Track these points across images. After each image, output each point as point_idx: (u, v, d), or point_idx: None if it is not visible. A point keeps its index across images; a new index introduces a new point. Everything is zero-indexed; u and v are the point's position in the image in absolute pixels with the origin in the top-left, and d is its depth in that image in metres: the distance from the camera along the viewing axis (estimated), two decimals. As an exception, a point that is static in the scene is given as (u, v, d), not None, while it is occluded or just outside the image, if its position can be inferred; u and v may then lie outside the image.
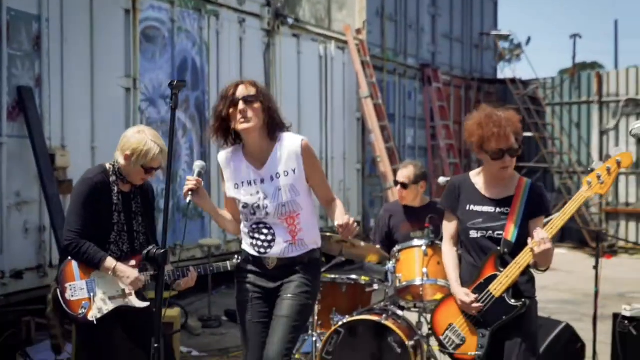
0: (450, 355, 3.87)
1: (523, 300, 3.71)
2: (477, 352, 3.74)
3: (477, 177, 3.96)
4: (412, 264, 5.31)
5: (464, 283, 3.88)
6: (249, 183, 3.76)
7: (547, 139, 16.90)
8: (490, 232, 3.77)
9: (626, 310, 5.08)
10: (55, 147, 7.00)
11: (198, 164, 3.73)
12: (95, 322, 4.09)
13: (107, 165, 4.31)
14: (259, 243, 3.78)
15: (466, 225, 3.85)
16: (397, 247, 5.42)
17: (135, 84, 8.17)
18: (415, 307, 5.44)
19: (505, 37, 19.05)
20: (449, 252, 4.02)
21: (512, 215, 3.74)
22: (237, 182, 3.78)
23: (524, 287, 3.78)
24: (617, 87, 16.15)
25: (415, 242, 5.38)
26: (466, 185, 3.95)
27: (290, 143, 3.74)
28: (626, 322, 5.02)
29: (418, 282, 5.24)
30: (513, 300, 3.71)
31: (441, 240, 5.41)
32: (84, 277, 4.18)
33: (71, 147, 7.22)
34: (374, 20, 14.00)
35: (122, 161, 4.24)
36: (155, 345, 3.01)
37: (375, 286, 5.57)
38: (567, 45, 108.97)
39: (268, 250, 3.76)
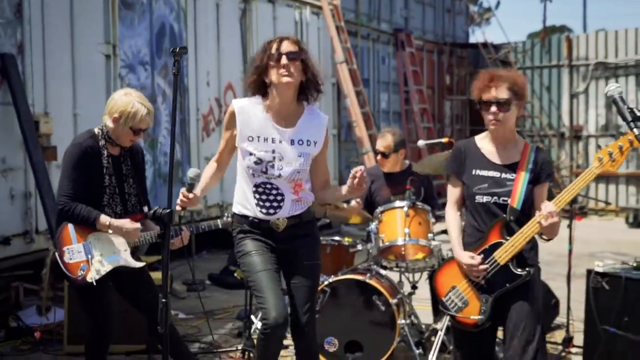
0: (452, 317, 3.89)
1: (527, 269, 3.73)
2: (479, 317, 3.77)
3: (482, 142, 3.94)
4: (394, 224, 5.48)
5: (467, 246, 3.87)
6: (265, 139, 3.74)
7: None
8: (496, 197, 3.77)
9: (599, 266, 5.28)
10: (38, 114, 7.03)
11: (191, 174, 3.61)
12: (94, 284, 4.22)
13: (96, 130, 4.41)
14: (267, 204, 3.77)
15: (472, 191, 3.83)
16: (379, 209, 5.58)
17: (114, 50, 8.17)
18: (397, 266, 5.60)
19: (475, 1, 19.18)
20: (452, 217, 3.98)
21: (518, 182, 3.75)
22: (252, 135, 3.75)
23: (528, 255, 3.81)
24: (586, 51, 16.38)
25: (397, 203, 5.54)
26: (471, 149, 3.93)
27: (320, 116, 3.86)
28: (599, 277, 5.18)
29: (400, 242, 5.41)
30: (518, 270, 3.73)
31: (422, 201, 5.65)
32: (80, 240, 4.30)
33: (54, 114, 7.25)
34: (348, -15, 14.11)
35: (110, 124, 4.33)
36: (163, 300, 3.14)
37: (359, 247, 5.76)
38: (537, 9, 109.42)
39: (277, 211, 3.78)
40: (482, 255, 3.78)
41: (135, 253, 4.47)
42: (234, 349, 5.64)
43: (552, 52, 17.17)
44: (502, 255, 3.73)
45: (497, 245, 3.77)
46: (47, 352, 5.70)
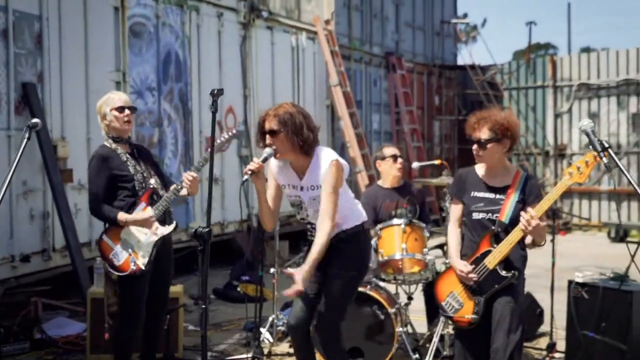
0: (450, 318, 4.39)
1: (513, 272, 4.21)
2: (473, 316, 4.26)
3: (480, 169, 4.45)
4: (392, 240, 5.88)
5: (464, 257, 4.39)
6: (293, 187, 4.44)
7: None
8: (490, 214, 4.29)
9: (579, 277, 5.70)
10: (56, 139, 7.45)
11: (267, 151, 4.25)
12: (148, 267, 4.87)
13: (104, 142, 5.07)
14: (309, 234, 4.54)
15: (470, 209, 4.36)
16: (379, 226, 5.97)
17: (124, 77, 8.59)
18: (395, 279, 5.98)
19: (465, 22, 19.64)
20: (452, 232, 4.53)
21: (507, 201, 4.24)
22: (285, 184, 4.48)
23: (516, 263, 4.28)
24: (570, 72, 16.77)
25: (395, 221, 5.94)
26: (471, 175, 4.45)
27: (324, 162, 4.32)
28: (579, 287, 5.59)
29: (398, 256, 5.81)
30: (504, 272, 4.21)
31: (418, 219, 6.07)
32: (117, 243, 4.92)
33: (70, 139, 7.67)
34: (341, 11, 14.48)
35: (104, 125, 5.06)
36: (203, 306, 3.56)
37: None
38: (522, 29, 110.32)
39: (313, 238, 4.39)
40: (473, 265, 4.27)
41: (164, 220, 5.01)
42: (245, 356, 6.02)
43: (537, 73, 17.60)
44: (491, 261, 4.21)
45: (487, 253, 4.25)
46: (70, 361, 6.08)
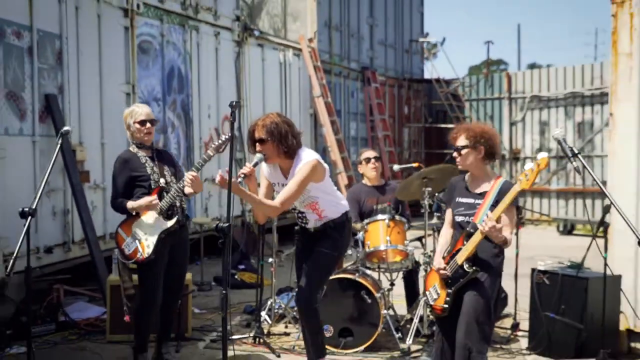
0: (430, 306, 4.40)
1: (474, 267, 4.16)
2: (444, 305, 4.25)
3: (467, 177, 4.42)
4: (377, 233, 5.99)
5: (448, 252, 4.37)
6: (282, 185, 4.57)
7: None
8: (468, 217, 4.24)
9: (541, 265, 5.84)
10: (75, 144, 7.45)
11: (258, 156, 4.40)
12: (154, 256, 5.00)
13: (129, 147, 5.24)
14: (299, 221, 4.79)
15: (454, 213, 4.36)
16: (365, 221, 6.08)
17: (133, 89, 8.59)
18: (379, 267, 6.11)
19: (429, 40, 19.73)
20: (444, 233, 4.49)
21: (482, 205, 4.20)
22: (274, 182, 4.66)
23: (487, 259, 4.20)
24: (523, 86, 16.97)
25: (380, 216, 6.06)
26: (459, 183, 4.42)
27: (298, 162, 4.49)
28: (541, 274, 5.72)
29: (382, 247, 5.92)
30: (467, 267, 4.17)
31: (400, 214, 6.17)
32: (129, 234, 5.07)
33: (86, 144, 7.67)
34: (323, 30, 14.50)
35: (129, 134, 5.21)
36: (224, 292, 3.63)
37: (350, 251, 6.24)
38: (478, 46, 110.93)
39: (306, 225, 4.75)
40: (445, 264, 4.28)
41: (168, 216, 5.09)
42: (247, 336, 6.08)
43: (494, 86, 17.81)
44: (459, 257, 4.20)
45: (459, 251, 4.25)
46: (92, 340, 6.09)
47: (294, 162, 4.49)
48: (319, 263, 4.62)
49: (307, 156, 4.48)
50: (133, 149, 5.18)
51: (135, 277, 5.31)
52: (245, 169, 4.33)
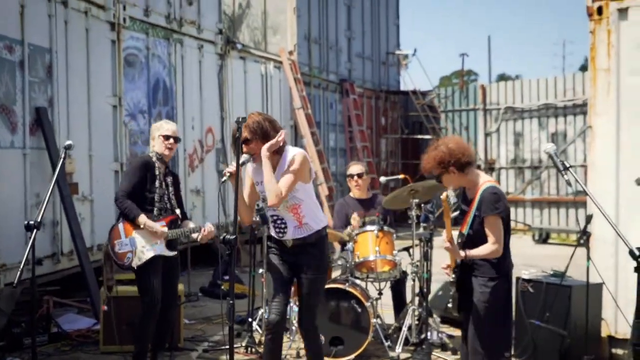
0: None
1: (452, 278, 4.28)
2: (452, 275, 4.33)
3: None
4: (366, 244, 6.11)
5: None
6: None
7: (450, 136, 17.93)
8: (459, 226, 4.36)
9: (525, 274, 5.98)
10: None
11: (244, 156, 4.34)
12: (135, 268, 5.13)
13: (150, 153, 5.40)
14: (277, 230, 4.59)
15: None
16: (355, 232, 6.20)
17: (120, 101, 8.63)
18: (368, 277, 6.22)
19: (404, 53, 19.92)
20: None
21: (468, 214, 4.27)
22: (258, 181, 4.55)
23: (490, 266, 4.20)
24: (497, 97, 17.31)
25: (369, 227, 6.18)
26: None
27: (291, 154, 4.47)
28: (525, 283, 5.86)
29: (372, 257, 6.04)
30: (452, 277, 4.29)
31: (389, 226, 6.29)
32: (128, 235, 5.16)
33: (75, 156, 7.68)
34: (302, 43, 14.65)
35: (152, 143, 5.41)
36: (231, 302, 3.72)
37: (340, 262, 6.36)
38: (450, 56, 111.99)
39: (283, 235, 4.56)
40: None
41: (171, 245, 5.29)
42: (239, 345, 6.16)
43: (469, 98, 18.11)
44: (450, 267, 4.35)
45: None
46: (85, 351, 6.12)
47: (282, 157, 4.48)
48: (314, 290, 4.60)
49: (296, 149, 4.54)
50: (153, 158, 5.35)
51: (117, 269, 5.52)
52: (231, 168, 4.33)
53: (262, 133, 4.41)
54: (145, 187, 5.24)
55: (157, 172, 5.30)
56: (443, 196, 4.08)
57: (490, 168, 17.29)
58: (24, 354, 5.96)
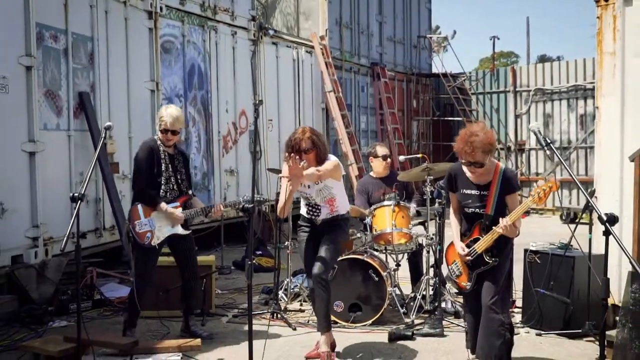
0: (454, 281, 4.88)
1: (494, 259, 4.60)
2: (467, 283, 4.74)
3: (466, 168, 4.68)
4: (384, 217, 6.47)
5: (463, 236, 4.76)
6: (308, 187, 5.29)
7: (472, 122, 18.07)
8: (477, 209, 4.64)
9: (532, 246, 6.27)
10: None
11: (308, 168, 5.04)
12: (157, 247, 5.57)
13: (155, 137, 5.74)
14: (310, 213, 5.38)
15: (463, 204, 4.72)
16: (373, 207, 6.57)
17: (157, 86, 9.12)
18: (385, 249, 6.60)
19: (437, 36, 20.03)
20: (453, 219, 4.87)
21: (491, 196, 4.57)
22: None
23: (503, 246, 4.62)
24: (528, 79, 17.39)
25: (386, 202, 6.54)
26: (460, 173, 4.73)
27: (330, 160, 5.25)
28: (532, 254, 6.16)
29: (389, 230, 6.40)
30: (487, 258, 4.62)
31: (404, 200, 6.65)
32: (147, 216, 5.59)
33: (116, 137, 8.21)
34: (334, 28, 14.93)
35: (157, 126, 5.76)
36: (249, 262, 4.14)
37: (359, 234, 6.74)
38: (487, 40, 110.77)
39: (315, 217, 5.37)
40: (468, 247, 4.70)
41: (185, 224, 5.73)
42: (265, 311, 6.60)
43: (500, 80, 18.21)
44: (479, 247, 4.64)
45: (476, 240, 4.66)
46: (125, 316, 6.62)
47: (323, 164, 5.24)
48: (334, 245, 5.28)
49: (333, 157, 5.31)
50: (158, 142, 5.70)
51: None
52: (285, 173, 5.02)
53: (321, 144, 5.20)
54: (152, 172, 5.59)
55: (162, 156, 5.63)
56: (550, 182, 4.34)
57: (520, 149, 17.43)
58: (70, 317, 6.48)
